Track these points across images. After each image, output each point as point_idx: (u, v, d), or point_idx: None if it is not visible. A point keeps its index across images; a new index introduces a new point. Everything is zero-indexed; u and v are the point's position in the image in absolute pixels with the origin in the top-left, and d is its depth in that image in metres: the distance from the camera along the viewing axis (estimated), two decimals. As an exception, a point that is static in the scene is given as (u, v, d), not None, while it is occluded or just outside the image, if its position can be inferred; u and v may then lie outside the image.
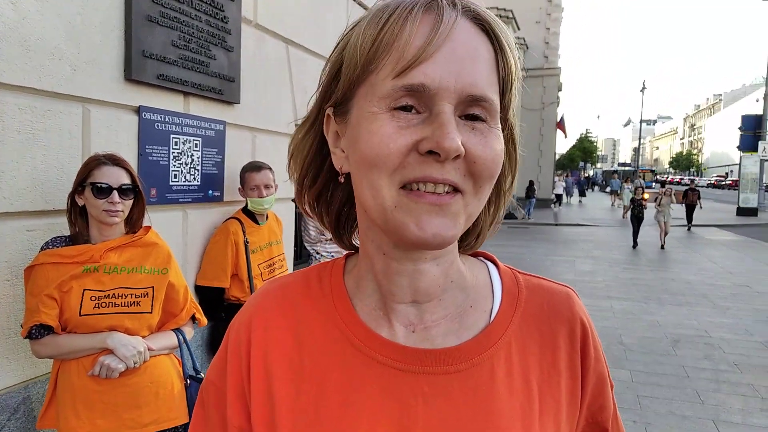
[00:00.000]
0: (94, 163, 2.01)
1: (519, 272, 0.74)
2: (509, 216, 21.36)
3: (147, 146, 2.77)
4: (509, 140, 0.67)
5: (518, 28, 21.75)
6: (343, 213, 0.73)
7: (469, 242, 0.72)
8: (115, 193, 1.98)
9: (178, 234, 3.08)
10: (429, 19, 0.56)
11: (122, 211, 2.01)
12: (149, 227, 2.16)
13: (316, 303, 0.70)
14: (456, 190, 0.57)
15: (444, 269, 0.66)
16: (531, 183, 23.11)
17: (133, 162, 2.73)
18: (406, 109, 0.56)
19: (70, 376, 1.94)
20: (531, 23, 27.55)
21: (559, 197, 27.27)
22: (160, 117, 2.82)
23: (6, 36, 2.09)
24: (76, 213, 2.04)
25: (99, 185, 1.97)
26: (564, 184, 28.90)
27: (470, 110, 0.56)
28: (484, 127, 0.57)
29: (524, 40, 25.59)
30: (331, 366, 0.66)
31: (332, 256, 3.78)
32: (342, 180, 0.66)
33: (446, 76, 0.54)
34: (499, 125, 0.60)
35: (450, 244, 0.58)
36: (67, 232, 2.09)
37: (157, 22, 2.74)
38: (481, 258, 0.76)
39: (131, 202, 2.06)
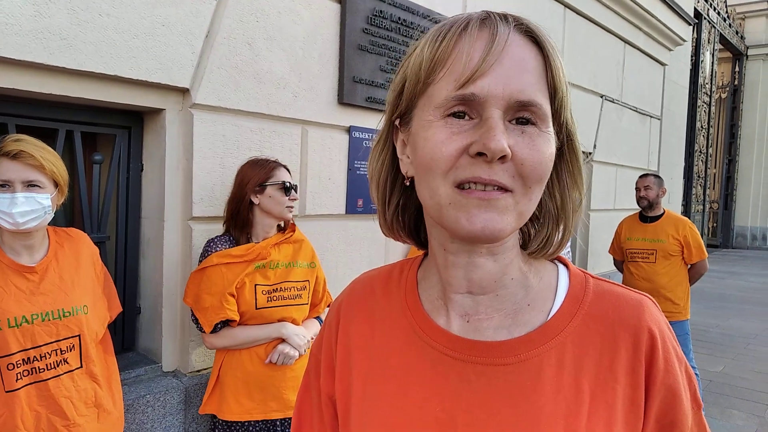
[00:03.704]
0: (272, 164, 2.23)
1: (593, 277, 0.72)
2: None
3: (356, 162, 3.09)
4: (568, 148, 0.69)
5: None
6: (417, 222, 0.80)
7: (534, 249, 0.72)
8: (293, 191, 2.23)
9: (382, 239, 3.35)
10: (484, 36, 0.61)
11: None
12: (295, 225, 2.36)
13: (392, 293, 0.79)
14: (505, 189, 0.60)
15: (501, 265, 0.69)
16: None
17: (344, 175, 3.07)
18: (459, 115, 0.61)
19: (242, 364, 2.13)
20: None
21: None
22: (368, 135, 3.12)
23: (243, 71, 2.55)
24: (251, 213, 2.20)
25: (286, 183, 2.21)
26: None
27: (520, 114, 0.61)
28: (534, 131, 0.61)
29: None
30: (395, 348, 0.73)
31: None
32: (408, 183, 0.72)
33: (494, 85, 0.59)
34: (551, 129, 0.63)
35: (500, 238, 0.61)
36: (219, 232, 2.29)
37: (367, 50, 3.05)
38: (555, 261, 0.76)
39: None
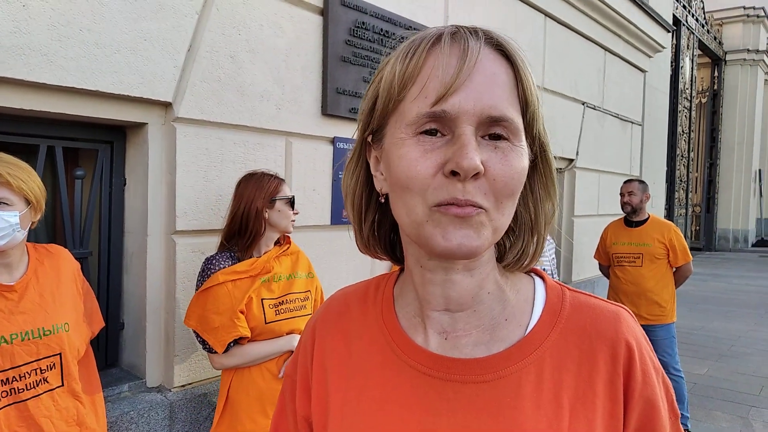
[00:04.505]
0: (276, 180, 2.23)
1: (570, 290, 0.72)
2: (761, 243, 18.50)
3: (340, 173, 3.09)
4: (541, 160, 0.68)
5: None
6: (393, 238, 0.79)
7: (510, 261, 0.72)
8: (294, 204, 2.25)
9: (367, 252, 3.36)
10: (455, 52, 0.61)
11: None
12: (289, 237, 2.35)
13: (368, 310, 0.78)
14: (480, 207, 0.60)
15: (478, 280, 0.68)
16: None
17: (328, 186, 3.08)
18: (432, 133, 0.60)
19: (254, 381, 2.10)
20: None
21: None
22: (352, 146, 3.12)
23: (226, 84, 2.55)
24: (263, 227, 2.16)
25: (291, 198, 2.23)
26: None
27: (492, 130, 0.60)
28: (506, 146, 0.61)
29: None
30: (372, 367, 0.72)
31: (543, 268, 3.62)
32: (382, 200, 0.71)
33: (466, 102, 0.59)
34: (524, 143, 0.63)
35: (476, 255, 0.61)
36: (213, 251, 2.27)
37: (350, 62, 3.07)
38: (532, 274, 0.75)
39: None
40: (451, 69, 0.59)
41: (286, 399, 0.84)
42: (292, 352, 2.11)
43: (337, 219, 3.13)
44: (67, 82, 2.03)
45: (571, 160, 5.71)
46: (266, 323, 2.11)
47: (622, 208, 4.20)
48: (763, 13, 17.50)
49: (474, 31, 0.63)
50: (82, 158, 2.52)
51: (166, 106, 2.40)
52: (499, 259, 0.72)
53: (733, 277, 11.98)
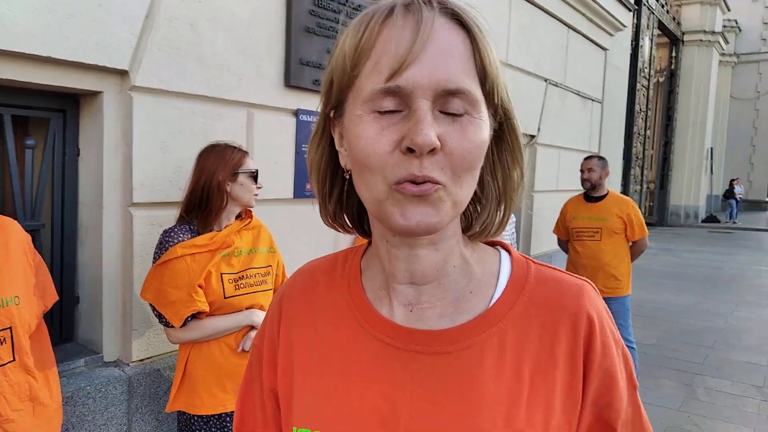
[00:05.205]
0: (241, 152, 2.18)
1: (534, 263, 0.73)
2: (710, 219, 19.19)
3: (303, 145, 3.06)
4: (507, 128, 0.68)
5: (728, 10, 19.30)
6: (361, 211, 0.78)
7: (476, 231, 0.72)
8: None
9: (330, 226, 3.35)
10: (408, 24, 0.59)
11: None
12: (251, 211, 2.31)
13: (335, 282, 0.77)
14: (437, 182, 0.59)
15: (444, 254, 0.68)
16: (731, 182, 20.35)
17: (291, 159, 3.04)
18: (388, 108, 0.59)
19: (212, 355, 2.08)
20: (745, 3, 24.34)
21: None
22: (316, 118, 3.09)
23: (185, 53, 2.47)
24: (224, 201, 2.11)
25: (255, 172, 2.18)
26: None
27: (449, 103, 0.59)
28: (465, 119, 0.59)
29: (736, 23, 22.71)
30: (338, 339, 0.72)
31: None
32: (347, 176, 0.70)
33: (420, 75, 0.57)
34: (484, 114, 0.62)
35: (437, 230, 0.61)
36: (172, 224, 2.18)
37: (314, 33, 3.01)
38: (497, 247, 0.76)
39: None
40: (404, 42, 0.58)
41: (252, 371, 0.83)
42: (252, 326, 2.13)
43: (300, 192, 3.10)
44: (17, 47, 1.93)
45: (533, 137, 5.78)
46: (225, 298, 2.08)
47: (582, 184, 4.28)
48: (720, -6, 17.86)
49: (428, 1, 0.61)
50: (32, 127, 2.41)
51: (122, 74, 2.31)
52: (465, 229, 0.72)
53: (684, 251, 12.43)
